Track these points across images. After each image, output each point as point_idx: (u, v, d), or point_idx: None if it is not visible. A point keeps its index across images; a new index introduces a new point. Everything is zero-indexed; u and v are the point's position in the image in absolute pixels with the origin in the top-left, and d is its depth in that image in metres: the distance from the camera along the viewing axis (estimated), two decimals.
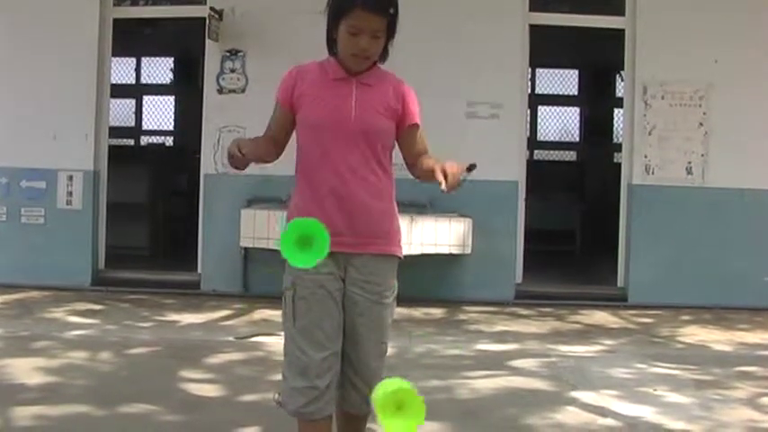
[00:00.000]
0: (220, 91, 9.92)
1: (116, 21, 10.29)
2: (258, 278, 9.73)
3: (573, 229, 13.40)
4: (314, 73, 3.76)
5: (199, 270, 10.05)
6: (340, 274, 3.69)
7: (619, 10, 10.02)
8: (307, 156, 3.74)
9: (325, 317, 3.65)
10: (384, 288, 3.76)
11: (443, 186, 3.45)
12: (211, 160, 9.88)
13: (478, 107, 9.71)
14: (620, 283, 10.03)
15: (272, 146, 3.80)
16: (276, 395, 3.77)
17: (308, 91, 3.71)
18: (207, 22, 9.66)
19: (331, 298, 3.67)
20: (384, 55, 3.75)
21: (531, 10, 9.96)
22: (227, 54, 9.89)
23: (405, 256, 3.90)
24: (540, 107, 15.94)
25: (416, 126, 3.82)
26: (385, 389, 3.30)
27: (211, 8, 9.73)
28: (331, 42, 3.73)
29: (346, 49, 3.64)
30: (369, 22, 3.57)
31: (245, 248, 9.45)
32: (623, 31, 10.02)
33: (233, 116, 9.81)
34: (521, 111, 10.03)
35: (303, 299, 3.65)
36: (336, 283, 3.68)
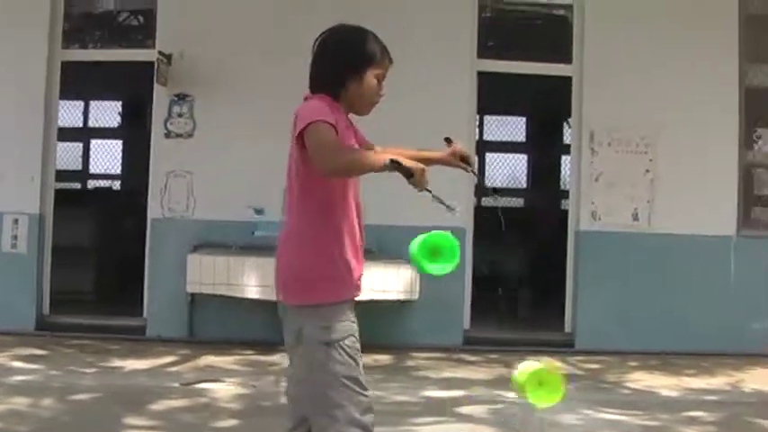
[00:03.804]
0: (168, 135, 9.87)
1: (64, 63, 10.23)
2: (204, 324, 9.65)
3: (521, 275, 13.45)
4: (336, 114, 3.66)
5: (144, 315, 9.94)
6: None
7: (566, 58, 10.15)
8: (336, 202, 3.67)
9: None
10: None
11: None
12: (158, 204, 9.80)
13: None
14: (567, 328, 10.08)
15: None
16: None
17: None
18: (155, 66, 9.65)
19: None
20: None
21: (479, 57, 10.06)
22: (175, 98, 9.87)
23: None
24: (487, 154, 16.06)
25: None
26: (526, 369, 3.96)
27: (160, 52, 9.72)
28: (338, 87, 3.71)
29: (371, 96, 3.79)
30: (387, 69, 3.76)
31: (192, 294, 9.35)
32: (570, 78, 10.15)
33: (180, 160, 9.77)
34: None
35: (356, 347, 3.63)
36: None
